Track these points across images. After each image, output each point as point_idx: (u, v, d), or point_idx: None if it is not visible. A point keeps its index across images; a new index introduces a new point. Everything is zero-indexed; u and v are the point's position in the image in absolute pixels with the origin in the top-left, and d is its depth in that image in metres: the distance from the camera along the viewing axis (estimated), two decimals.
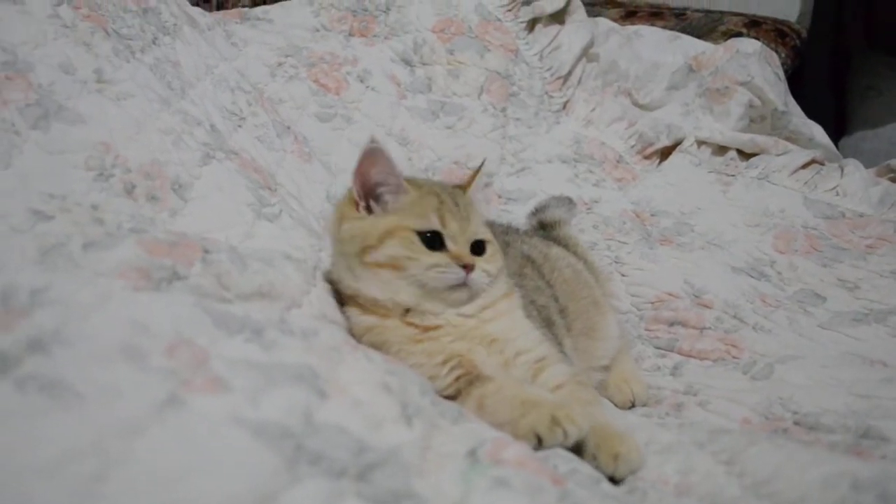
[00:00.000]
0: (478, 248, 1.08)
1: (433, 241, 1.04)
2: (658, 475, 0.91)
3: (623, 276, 1.69)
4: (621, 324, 1.48)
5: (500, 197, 1.93)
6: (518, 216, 1.80)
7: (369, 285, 1.05)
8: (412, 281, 1.03)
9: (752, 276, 1.65)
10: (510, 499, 0.69)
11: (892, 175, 1.97)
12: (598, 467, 0.89)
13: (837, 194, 1.85)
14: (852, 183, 1.86)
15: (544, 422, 0.89)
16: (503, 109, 2.06)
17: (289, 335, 0.83)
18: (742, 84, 2.08)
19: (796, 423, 1.22)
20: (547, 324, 1.21)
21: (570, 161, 2.06)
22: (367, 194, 1.07)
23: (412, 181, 1.10)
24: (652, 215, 1.87)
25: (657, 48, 2.27)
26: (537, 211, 1.75)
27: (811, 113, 2.19)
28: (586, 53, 2.29)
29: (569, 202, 1.84)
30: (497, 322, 1.08)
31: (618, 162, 2.06)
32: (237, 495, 0.57)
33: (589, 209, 1.92)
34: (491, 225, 1.23)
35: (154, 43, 1.43)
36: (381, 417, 0.76)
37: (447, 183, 1.19)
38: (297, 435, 0.66)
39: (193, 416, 0.64)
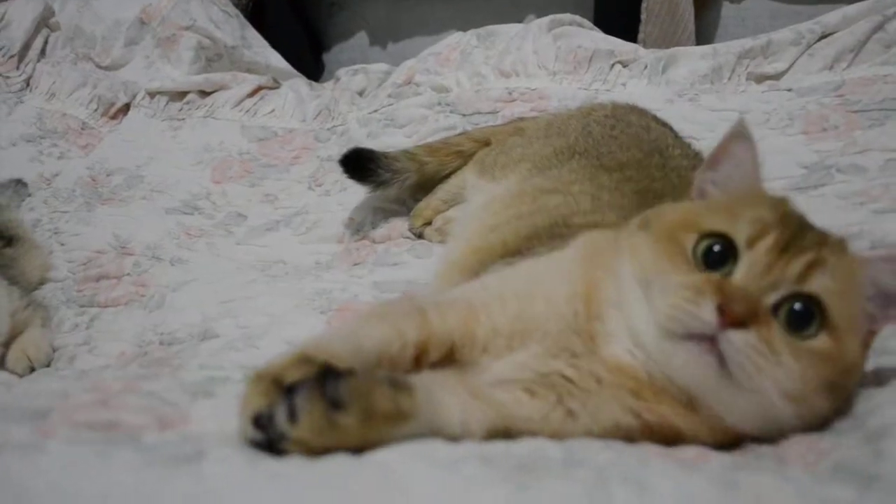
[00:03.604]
0: None
1: None
2: None
3: (62, 244, 1.73)
4: (22, 298, 1.52)
5: None
6: None
7: None
8: None
9: (185, 213, 1.76)
10: None
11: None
12: None
13: (276, 116, 2.01)
14: (289, 102, 2.02)
15: None
16: None
17: None
18: (187, 28, 2.17)
19: (161, 343, 1.36)
20: None
21: (35, 139, 2.05)
22: None
23: None
24: (107, 175, 1.91)
25: (116, 5, 2.29)
26: None
27: (282, 39, 2.35)
28: (47, 24, 2.26)
29: (16, 185, 1.85)
30: None
31: (82, 130, 2.08)
32: None
33: (49, 184, 1.93)
34: None
35: None
36: None
37: None
38: None
39: None
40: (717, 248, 0.74)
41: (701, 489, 0.62)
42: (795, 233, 0.74)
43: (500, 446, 0.68)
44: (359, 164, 1.56)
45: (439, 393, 0.71)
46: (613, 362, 0.76)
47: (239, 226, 1.73)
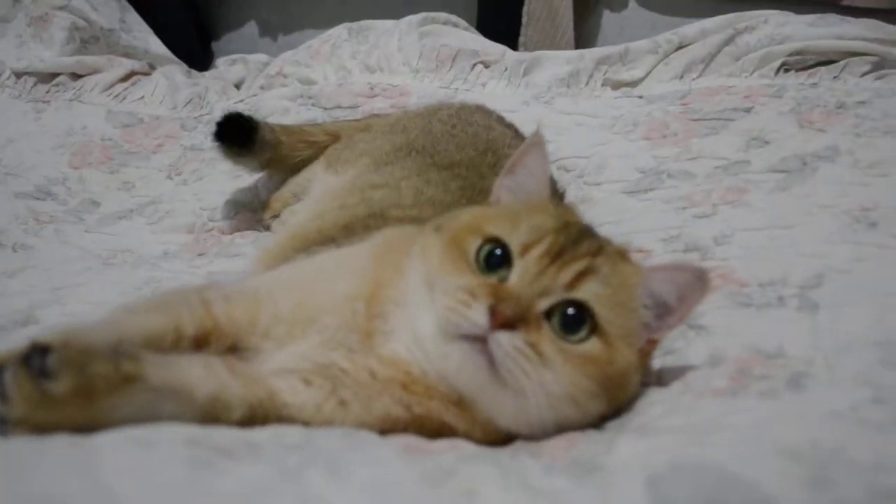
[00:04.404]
0: None
1: None
2: None
3: None
4: None
5: None
6: None
7: None
8: None
9: (37, 198, 1.71)
10: None
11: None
12: None
13: (145, 102, 1.96)
14: (160, 89, 1.98)
15: None
16: None
17: None
18: (61, 8, 2.10)
19: None
20: None
21: None
22: None
23: None
24: None
25: None
26: None
27: (169, 25, 2.29)
28: None
29: None
30: None
31: None
32: None
33: None
34: None
35: None
36: None
37: None
38: None
39: None
40: (497, 252, 0.76)
41: (404, 478, 0.63)
42: (571, 241, 0.76)
43: (226, 431, 0.68)
44: (237, 128, 1.51)
45: (188, 366, 0.71)
46: (389, 357, 0.77)
47: (91, 213, 1.69)
